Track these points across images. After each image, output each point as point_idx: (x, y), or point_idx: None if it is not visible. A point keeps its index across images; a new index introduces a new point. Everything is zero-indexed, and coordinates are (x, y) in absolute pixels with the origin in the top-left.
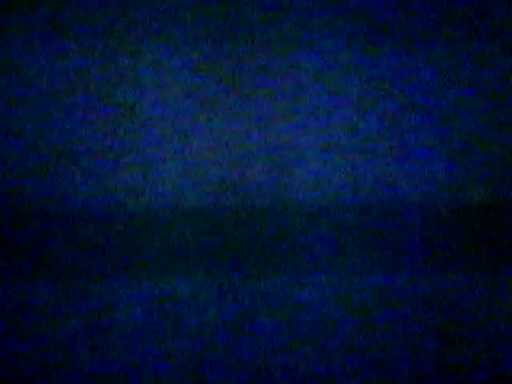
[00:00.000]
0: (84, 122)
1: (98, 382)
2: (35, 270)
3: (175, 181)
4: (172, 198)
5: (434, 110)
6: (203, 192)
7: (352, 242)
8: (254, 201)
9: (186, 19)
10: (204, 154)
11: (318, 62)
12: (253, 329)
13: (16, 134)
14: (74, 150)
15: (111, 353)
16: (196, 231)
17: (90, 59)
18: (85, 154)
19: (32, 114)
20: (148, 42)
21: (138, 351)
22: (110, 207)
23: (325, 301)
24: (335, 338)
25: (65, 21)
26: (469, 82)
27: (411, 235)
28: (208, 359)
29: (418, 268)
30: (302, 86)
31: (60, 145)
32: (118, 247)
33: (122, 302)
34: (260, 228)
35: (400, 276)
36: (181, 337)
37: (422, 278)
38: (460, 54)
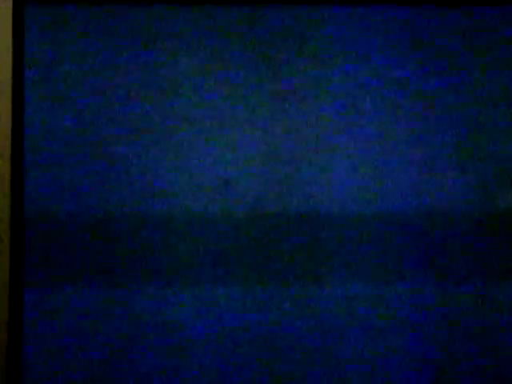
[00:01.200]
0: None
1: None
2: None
3: (208, 185)
4: (202, 203)
5: (464, 119)
6: (238, 198)
7: (383, 250)
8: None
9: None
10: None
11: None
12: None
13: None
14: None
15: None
16: (238, 235)
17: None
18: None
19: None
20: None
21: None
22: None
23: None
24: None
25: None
26: (500, 92)
27: (442, 243)
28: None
29: (447, 276)
30: (337, 92)
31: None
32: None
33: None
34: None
35: (431, 284)
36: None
37: (453, 286)
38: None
